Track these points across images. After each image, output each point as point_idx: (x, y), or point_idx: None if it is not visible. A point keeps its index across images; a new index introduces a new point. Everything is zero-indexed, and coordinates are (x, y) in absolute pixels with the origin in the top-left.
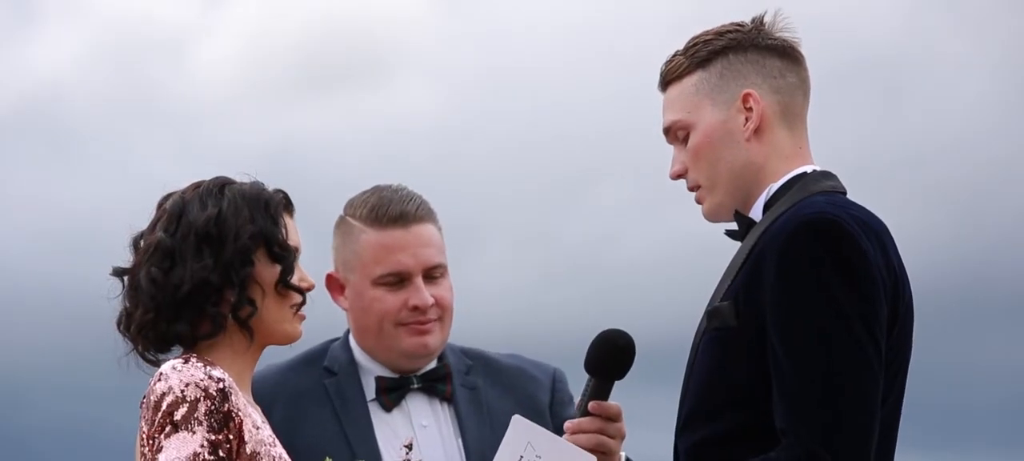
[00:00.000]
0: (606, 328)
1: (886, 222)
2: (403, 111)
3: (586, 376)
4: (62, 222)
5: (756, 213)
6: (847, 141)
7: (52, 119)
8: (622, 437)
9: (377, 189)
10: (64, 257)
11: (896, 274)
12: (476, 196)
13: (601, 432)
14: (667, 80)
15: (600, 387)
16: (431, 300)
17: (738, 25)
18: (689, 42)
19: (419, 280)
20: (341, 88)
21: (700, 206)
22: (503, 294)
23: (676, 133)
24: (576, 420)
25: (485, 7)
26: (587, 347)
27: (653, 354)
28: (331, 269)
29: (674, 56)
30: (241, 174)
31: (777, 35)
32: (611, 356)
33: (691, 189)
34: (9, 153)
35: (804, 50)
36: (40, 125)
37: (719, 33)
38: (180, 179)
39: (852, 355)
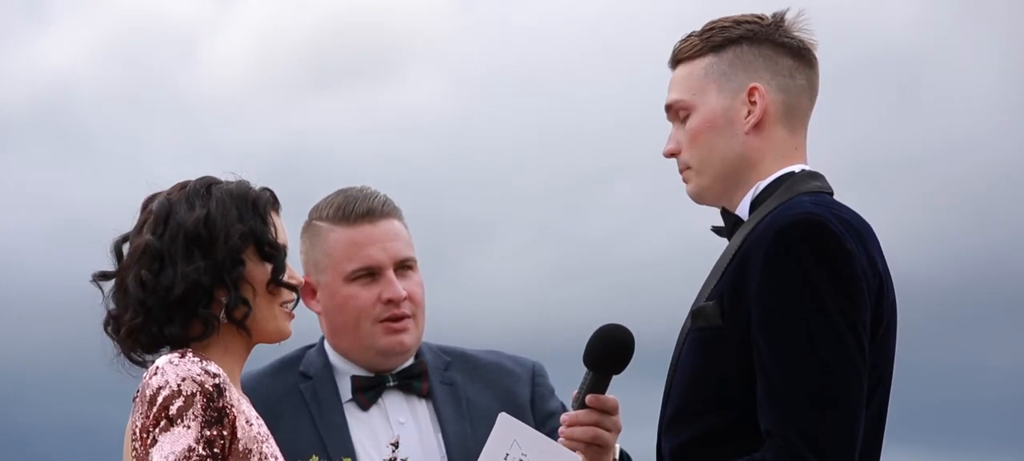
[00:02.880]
0: (605, 323)
1: (894, 219)
2: (415, 107)
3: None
4: (72, 218)
5: (743, 210)
6: (856, 138)
7: (63, 116)
8: (618, 431)
9: (341, 191)
10: (74, 254)
11: (880, 275)
12: (489, 192)
13: (597, 425)
14: (678, 59)
15: (598, 380)
16: (404, 292)
17: (758, 17)
18: (706, 26)
19: (390, 273)
20: (353, 84)
21: (686, 185)
22: (516, 290)
23: (677, 112)
24: (572, 412)
25: (497, 2)
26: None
27: (668, 351)
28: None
29: (689, 36)
30: (227, 173)
31: (794, 34)
32: (611, 351)
33: (681, 169)
34: (20, 149)
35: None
36: (51, 122)
37: (737, 22)
38: (191, 176)
39: (837, 355)
